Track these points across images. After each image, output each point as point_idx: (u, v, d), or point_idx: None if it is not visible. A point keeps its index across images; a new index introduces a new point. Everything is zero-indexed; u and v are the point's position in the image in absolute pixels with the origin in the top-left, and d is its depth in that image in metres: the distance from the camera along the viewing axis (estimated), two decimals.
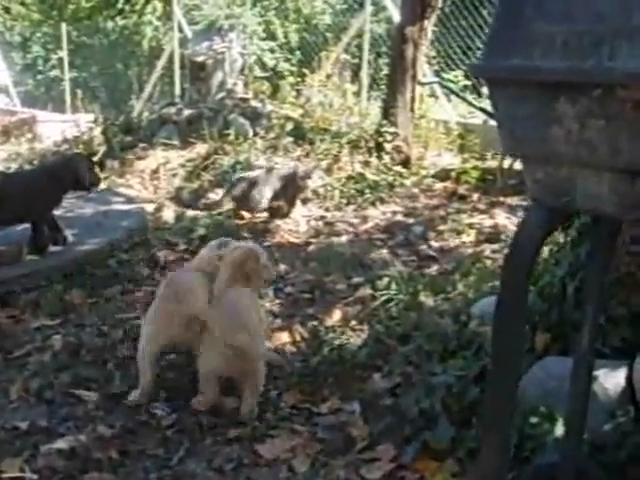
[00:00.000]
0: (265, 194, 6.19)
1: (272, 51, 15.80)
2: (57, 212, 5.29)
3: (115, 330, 4.07)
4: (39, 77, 19.77)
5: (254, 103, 9.04)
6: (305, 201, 6.71)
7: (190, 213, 6.48)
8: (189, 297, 3.23)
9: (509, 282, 1.47)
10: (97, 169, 5.18)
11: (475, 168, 7.15)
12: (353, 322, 4.04)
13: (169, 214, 6.43)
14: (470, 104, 7.48)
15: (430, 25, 7.56)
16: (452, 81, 9.23)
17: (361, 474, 2.75)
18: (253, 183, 6.30)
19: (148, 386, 3.26)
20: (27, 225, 4.87)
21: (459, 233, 5.66)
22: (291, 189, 6.25)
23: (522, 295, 1.50)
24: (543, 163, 1.39)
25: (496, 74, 1.38)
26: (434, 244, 5.49)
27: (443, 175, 7.31)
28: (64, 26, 17.11)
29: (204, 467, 2.86)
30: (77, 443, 2.95)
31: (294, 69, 11.29)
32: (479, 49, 9.36)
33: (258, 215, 6.22)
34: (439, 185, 7.12)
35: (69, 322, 4.22)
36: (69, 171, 4.86)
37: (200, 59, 9.25)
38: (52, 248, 4.87)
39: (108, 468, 2.82)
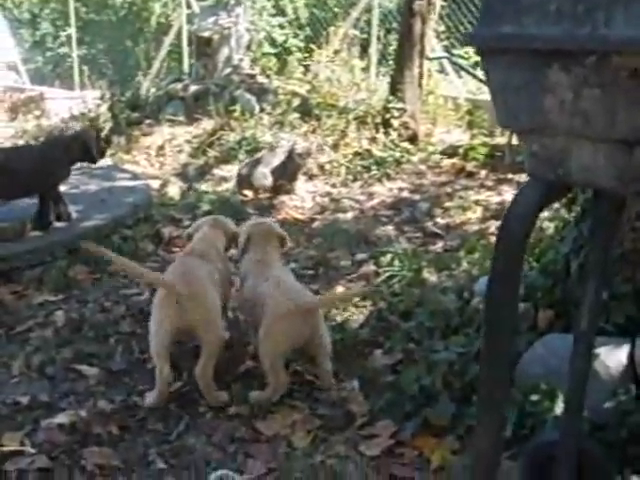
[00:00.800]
0: (267, 172, 6.16)
1: (281, 27, 15.67)
2: (62, 188, 5.29)
3: (117, 306, 4.07)
4: (48, 54, 19.72)
5: (261, 79, 8.98)
6: (311, 177, 6.69)
7: (195, 189, 6.48)
8: (196, 284, 3.14)
9: (502, 257, 1.44)
10: (103, 141, 5.27)
11: (483, 145, 7.09)
12: (356, 299, 4.02)
13: (174, 190, 6.42)
14: (479, 79, 7.41)
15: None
16: (463, 57, 9.12)
17: (360, 450, 2.75)
18: (256, 162, 6.27)
19: (166, 387, 3.10)
20: (30, 201, 4.87)
21: (465, 210, 5.62)
22: (290, 166, 6.21)
23: (515, 270, 1.47)
24: (537, 135, 1.36)
25: (488, 42, 1.34)
26: (440, 221, 5.46)
27: (451, 152, 7.26)
28: (72, 2, 17.03)
29: (203, 442, 2.85)
30: (77, 418, 2.95)
31: (302, 45, 11.18)
32: None
33: (262, 194, 6.18)
34: (446, 162, 7.07)
35: (72, 298, 4.22)
36: (77, 143, 4.90)
37: (206, 34, 9.18)
38: (56, 224, 4.87)
39: (108, 443, 2.82)
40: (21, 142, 8.76)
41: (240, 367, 3.37)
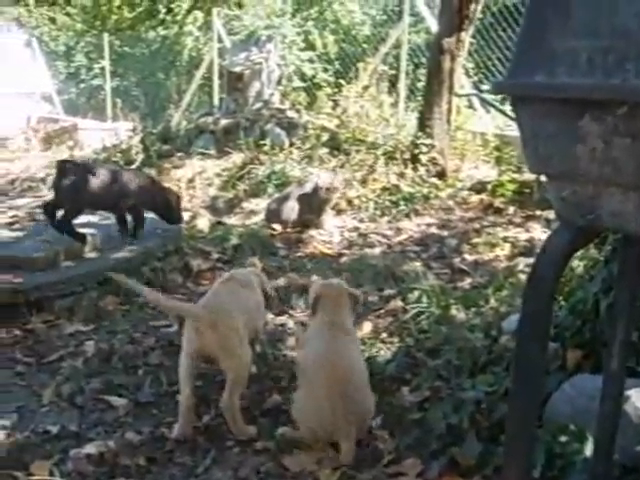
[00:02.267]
0: (296, 207, 6.21)
1: (311, 61, 15.86)
2: (94, 218, 5.40)
3: (146, 338, 4.12)
4: (82, 86, 20.11)
5: (290, 113, 9.09)
6: (339, 212, 6.73)
7: (224, 222, 6.55)
8: (221, 312, 3.17)
9: (532, 300, 1.45)
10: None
11: (512, 181, 7.07)
12: (384, 334, 4.03)
13: (204, 223, 6.49)
14: (507, 116, 7.43)
15: (467, 36, 7.53)
16: (490, 92, 9.15)
17: None
18: (284, 197, 6.34)
19: (187, 413, 3.11)
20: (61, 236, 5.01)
21: (494, 246, 5.61)
22: (318, 201, 6.26)
23: (545, 313, 1.48)
24: (568, 181, 1.38)
25: (520, 91, 1.37)
26: (468, 257, 5.45)
27: (479, 188, 7.25)
28: (107, 36, 17.42)
29: (230, 476, 2.86)
30: (106, 448, 2.98)
31: (332, 79, 11.30)
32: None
33: (290, 228, 6.22)
34: (475, 198, 7.07)
35: (102, 328, 4.27)
36: (163, 199, 5.51)
37: (237, 69, 9.33)
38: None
39: (136, 474, 2.84)
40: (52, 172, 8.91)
41: (267, 401, 3.38)
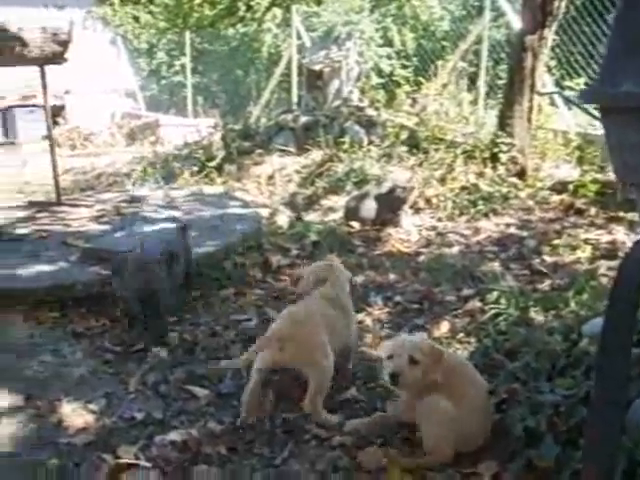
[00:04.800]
0: (374, 205, 6.24)
1: (389, 57, 15.84)
2: (176, 213, 5.56)
3: (228, 331, 4.23)
4: (163, 82, 20.61)
5: (369, 111, 9.12)
6: (417, 211, 6.72)
7: (303, 219, 6.64)
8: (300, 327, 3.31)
9: (617, 303, 1.46)
10: None
11: (594, 181, 6.92)
12: (461, 335, 4.03)
13: (283, 219, 6.60)
14: (590, 114, 7.26)
15: (551, 34, 7.39)
16: (573, 89, 8.98)
17: None
18: (363, 196, 6.38)
19: (252, 397, 3.29)
20: (149, 226, 5.16)
21: (574, 248, 5.51)
22: (397, 199, 6.27)
23: (630, 317, 1.48)
24: None
25: (607, 101, 1.38)
26: (547, 259, 5.36)
27: (560, 188, 7.12)
28: (188, 34, 17.79)
29: (307, 469, 2.93)
30: (189, 436, 3.10)
31: (410, 76, 11.26)
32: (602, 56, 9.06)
33: (368, 226, 6.26)
34: (555, 198, 6.95)
35: (185, 321, 4.41)
36: None
37: (317, 67, 9.41)
38: None
39: (217, 462, 2.94)
40: (138, 167, 9.19)
41: (343, 395, 3.45)
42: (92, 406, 3.41)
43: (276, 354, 3.22)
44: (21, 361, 3.85)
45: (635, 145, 1.35)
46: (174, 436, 3.13)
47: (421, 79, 9.88)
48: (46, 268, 4.90)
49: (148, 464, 2.91)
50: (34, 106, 13.48)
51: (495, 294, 4.28)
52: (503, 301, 4.18)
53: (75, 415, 3.34)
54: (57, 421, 3.30)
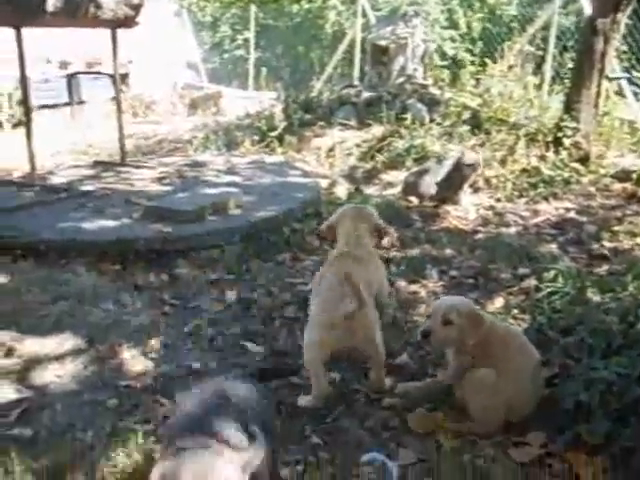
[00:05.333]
0: (433, 182, 6.23)
1: (453, 40, 15.67)
2: (238, 179, 5.63)
3: (283, 293, 4.30)
4: (225, 56, 20.77)
5: (433, 90, 9.06)
6: (476, 190, 6.69)
7: (362, 191, 6.67)
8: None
9: None
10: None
11: None
12: (515, 311, 4.03)
13: (342, 190, 6.64)
14: None
15: (624, 18, 7.23)
16: None
17: (509, 455, 2.78)
18: (423, 172, 6.37)
19: (322, 393, 3.14)
20: (210, 190, 5.26)
21: (635, 235, 5.43)
22: (457, 177, 6.24)
23: None
24: None
25: None
26: (607, 244, 5.30)
27: (623, 176, 6.99)
28: (253, 8, 17.85)
29: (357, 426, 3.00)
30: None
31: (474, 59, 11.12)
32: None
33: (426, 202, 6.26)
34: (618, 186, 6.83)
35: (243, 280, 4.50)
36: None
37: (383, 43, 9.37)
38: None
39: None
40: (200, 134, 9.30)
41: (397, 360, 3.49)
42: (151, 353, 3.53)
43: (342, 338, 3.10)
44: (83, 308, 3.98)
45: None
46: None
47: (486, 60, 9.73)
48: (110, 223, 5.06)
49: None
50: (99, 73, 13.70)
51: (552, 273, 4.24)
52: (560, 280, 4.15)
53: (134, 361, 3.46)
54: (117, 365, 3.42)
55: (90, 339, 3.62)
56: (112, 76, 7.64)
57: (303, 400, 3.15)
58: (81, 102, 12.91)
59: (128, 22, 6.74)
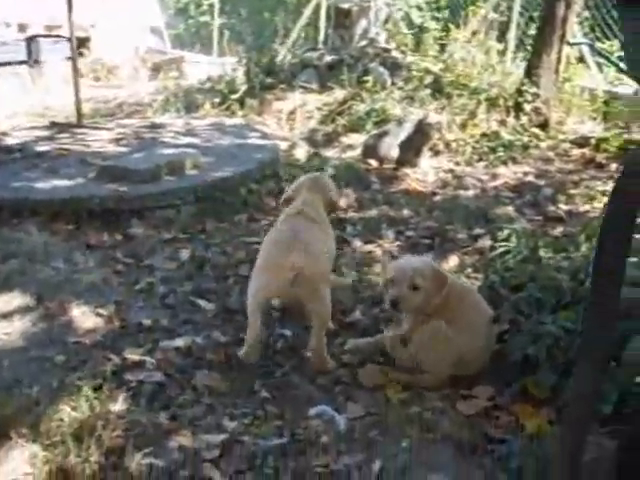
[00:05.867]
0: (393, 144, 6.21)
1: (419, 8, 15.55)
2: (196, 140, 5.55)
3: (238, 251, 4.28)
4: (190, 21, 20.45)
5: (395, 54, 9.00)
6: (436, 153, 6.70)
7: (321, 154, 6.63)
8: (310, 255, 3.05)
9: (611, 231, 1.47)
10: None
11: (616, 136, 6.85)
12: (469, 270, 4.06)
13: (301, 153, 6.60)
14: (619, 68, 7.17)
15: None
16: (607, 51, 8.83)
17: (457, 408, 2.81)
18: (383, 134, 6.34)
19: (255, 340, 3.07)
20: (166, 150, 5.18)
21: (591, 199, 5.49)
22: (417, 140, 6.24)
23: (623, 247, 1.49)
24: None
25: None
26: (563, 207, 5.36)
27: (582, 142, 7.06)
28: None
29: (307, 382, 3.00)
30: (193, 343, 3.17)
31: (439, 27, 11.06)
32: None
33: (386, 164, 6.24)
34: (576, 151, 6.90)
35: (197, 240, 4.47)
36: None
37: (346, 6, 9.29)
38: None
39: (218, 369, 3.01)
40: (160, 97, 9.15)
41: (350, 316, 3.50)
42: (101, 310, 3.49)
43: (286, 286, 2.96)
44: (34, 266, 3.92)
45: None
46: (179, 342, 3.20)
47: (450, 26, 9.69)
48: (64, 183, 4.98)
49: (153, 360, 2.99)
50: (58, 36, 13.42)
51: (506, 232, 4.28)
52: (513, 240, 4.18)
53: (84, 318, 3.42)
54: (66, 322, 3.37)
55: (39, 297, 3.57)
56: (69, 39, 7.44)
57: (242, 351, 3.09)
58: (38, 64, 12.61)
59: None
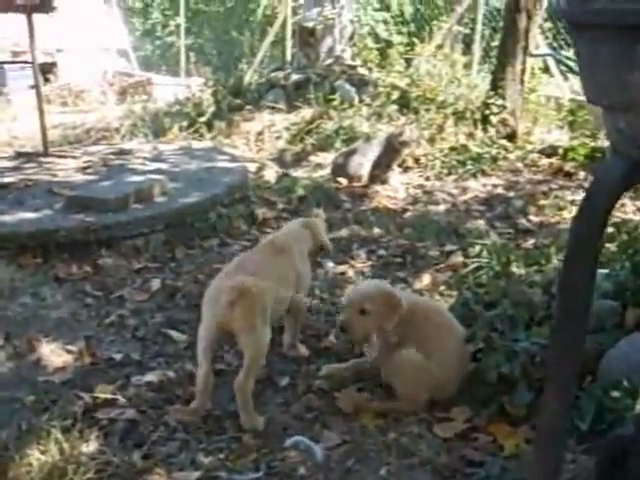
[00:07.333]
0: (362, 162, 6.21)
1: (385, 22, 15.67)
2: (164, 166, 5.50)
3: (210, 279, 4.18)
4: (157, 42, 20.42)
5: (361, 70, 9.04)
6: (406, 169, 6.71)
7: (291, 174, 6.61)
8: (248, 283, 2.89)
9: (582, 229, 1.46)
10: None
11: (584, 145, 6.92)
12: (442, 287, 4.05)
13: (271, 174, 6.57)
14: None
15: None
16: (570, 59, 8.92)
17: (434, 431, 2.78)
18: (352, 152, 6.35)
19: (206, 387, 2.86)
20: (135, 177, 5.12)
21: (561, 209, 5.53)
22: (386, 157, 6.24)
23: (594, 244, 1.48)
24: (624, 111, 1.37)
25: (579, 17, 1.36)
26: (533, 218, 5.38)
27: (550, 151, 7.11)
28: None
29: (282, 411, 2.95)
30: (165, 378, 3.12)
31: (405, 40, 11.15)
32: None
33: (356, 182, 6.24)
34: (544, 161, 6.94)
35: (167, 268, 4.42)
36: None
37: (310, 24, 9.31)
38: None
39: (191, 403, 2.95)
40: (128, 122, 9.10)
41: (323, 342, 3.47)
42: (71, 347, 3.42)
43: (224, 311, 2.80)
44: (0, 303, 3.84)
45: (605, 63, 1.34)
46: (151, 377, 3.15)
47: (416, 41, 9.76)
48: (30, 215, 4.89)
49: (124, 399, 2.93)
50: (24, 62, 13.33)
51: (477, 248, 4.29)
52: (485, 255, 4.18)
53: (54, 355, 3.35)
54: (36, 360, 3.31)
55: (7, 335, 3.50)
56: (32, 63, 7.37)
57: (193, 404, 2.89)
58: (2, 92, 12.50)
59: (44, 7, 6.52)
